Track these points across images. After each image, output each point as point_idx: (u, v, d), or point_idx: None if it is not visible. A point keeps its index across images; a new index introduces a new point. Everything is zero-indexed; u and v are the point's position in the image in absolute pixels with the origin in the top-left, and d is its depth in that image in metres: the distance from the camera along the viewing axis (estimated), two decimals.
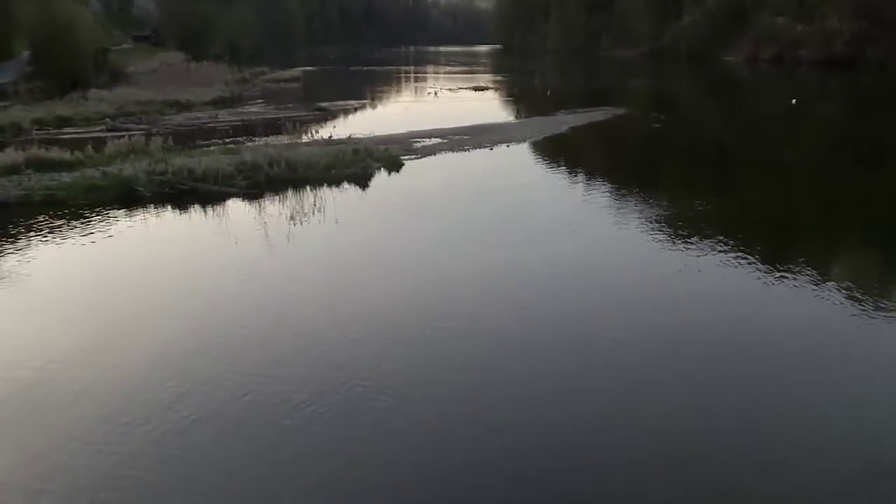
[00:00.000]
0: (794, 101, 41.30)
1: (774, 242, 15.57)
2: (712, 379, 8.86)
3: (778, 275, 12.59)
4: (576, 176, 22.87)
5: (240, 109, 39.23)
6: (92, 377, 8.99)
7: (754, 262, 13.31)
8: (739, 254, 13.82)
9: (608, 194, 19.70)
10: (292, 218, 16.87)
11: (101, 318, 11.05)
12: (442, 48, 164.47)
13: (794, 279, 12.32)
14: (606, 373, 9.09)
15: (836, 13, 76.98)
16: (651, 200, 18.58)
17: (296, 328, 10.43)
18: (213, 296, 12.05)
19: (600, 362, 9.41)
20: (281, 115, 33.91)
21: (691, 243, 14.65)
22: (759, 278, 12.51)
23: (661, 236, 15.35)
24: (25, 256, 14.20)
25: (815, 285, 12.03)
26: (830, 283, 12.09)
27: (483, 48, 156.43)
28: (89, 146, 23.17)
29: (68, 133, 29.42)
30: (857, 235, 16.31)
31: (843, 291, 11.53)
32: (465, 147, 26.28)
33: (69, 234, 15.86)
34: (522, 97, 49.96)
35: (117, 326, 10.69)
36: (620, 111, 37.75)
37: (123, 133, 27.39)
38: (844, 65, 70.20)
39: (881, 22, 71.83)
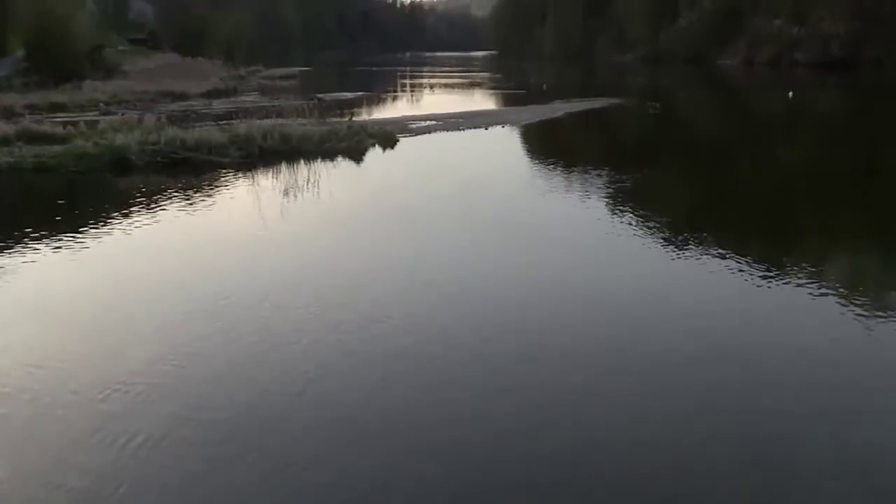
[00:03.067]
0: (790, 93, 41.35)
1: (746, 214, 15.44)
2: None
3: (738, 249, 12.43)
4: (567, 147, 22.86)
5: (234, 99, 39.06)
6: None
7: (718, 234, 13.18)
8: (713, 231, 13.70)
9: (593, 160, 19.59)
10: (285, 189, 16.52)
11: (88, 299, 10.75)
12: (438, 53, 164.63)
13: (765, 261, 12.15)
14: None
15: (832, 15, 77.15)
16: (634, 167, 18.48)
17: (284, 297, 9.56)
18: (199, 265, 11.15)
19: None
20: (276, 104, 33.71)
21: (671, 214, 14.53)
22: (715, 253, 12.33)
23: (634, 203, 15.23)
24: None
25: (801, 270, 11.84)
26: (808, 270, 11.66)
27: (479, 53, 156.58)
28: (82, 123, 22.98)
29: (61, 117, 29.22)
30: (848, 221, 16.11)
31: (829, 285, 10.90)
32: (461, 128, 26.18)
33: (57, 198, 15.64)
34: (518, 91, 49.83)
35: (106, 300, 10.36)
36: (616, 101, 37.68)
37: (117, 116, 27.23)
38: (841, 66, 70.28)
39: (876, 23, 71.99)
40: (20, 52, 49.24)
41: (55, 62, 44.64)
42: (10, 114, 29.25)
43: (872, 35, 72.72)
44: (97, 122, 24.91)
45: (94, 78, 46.13)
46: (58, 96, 34.14)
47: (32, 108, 30.60)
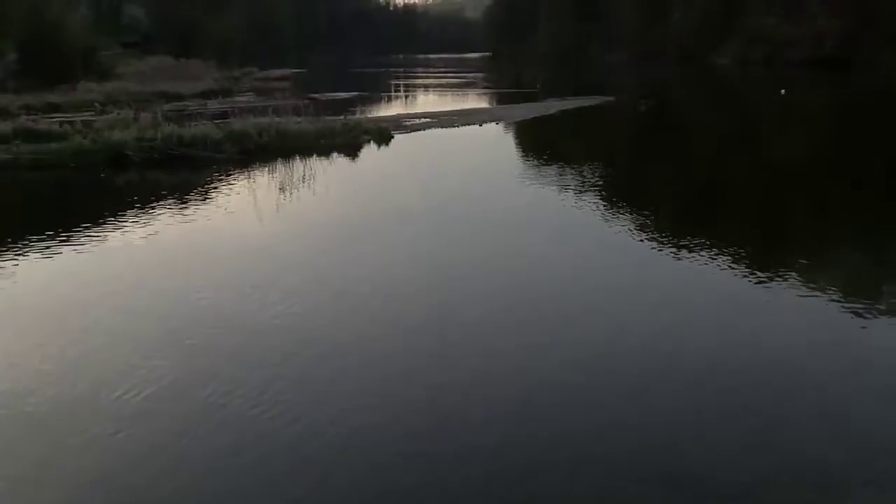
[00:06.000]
0: (783, 91, 41.54)
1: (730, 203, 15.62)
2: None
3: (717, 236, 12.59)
4: (559, 143, 23.03)
5: (229, 100, 39.06)
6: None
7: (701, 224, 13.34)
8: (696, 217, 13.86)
9: (585, 155, 19.79)
10: (282, 185, 16.62)
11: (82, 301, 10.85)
12: (432, 55, 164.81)
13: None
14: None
15: (825, 13, 77.45)
16: (624, 162, 18.65)
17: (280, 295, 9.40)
18: (195, 264, 10.98)
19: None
20: (271, 103, 33.74)
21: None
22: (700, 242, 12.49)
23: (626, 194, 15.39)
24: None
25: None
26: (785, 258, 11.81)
27: (473, 55, 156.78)
28: (78, 122, 23.07)
29: (57, 117, 29.25)
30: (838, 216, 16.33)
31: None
32: (455, 124, 26.35)
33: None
34: (512, 90, 49.99)
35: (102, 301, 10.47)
36: (609, 99, 37.88)
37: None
38: (835, 65, 70.50)
39: (870, 21, 72.29)
40: (13, 55, 49.26)
41: (49, 65, 44.70)
42: (5, 114, 29.29)
43: (866, 34, 73.00)
44: (93, 120, 24.99)
45: (88, 80, 46.17)
46: (53, 97, 34.22)
47: (28, 109, 30.62)
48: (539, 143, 24.23)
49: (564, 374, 6.93)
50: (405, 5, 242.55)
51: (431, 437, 5.95)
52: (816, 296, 8.88)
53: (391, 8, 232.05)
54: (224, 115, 26.92)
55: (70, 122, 23.29)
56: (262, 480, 5.33)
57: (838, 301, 8.67)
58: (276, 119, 24.55)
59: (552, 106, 33.42)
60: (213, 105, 34.81)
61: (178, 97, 38.94)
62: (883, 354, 7.29)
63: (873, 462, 5.50)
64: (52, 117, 28.78)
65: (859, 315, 8.23)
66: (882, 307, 8.67)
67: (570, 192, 15.48)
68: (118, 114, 24.80)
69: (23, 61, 47.66)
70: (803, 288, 9.15)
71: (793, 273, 9.76)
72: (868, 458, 5.55)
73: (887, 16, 71.76)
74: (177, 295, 9.30)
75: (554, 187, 16.09)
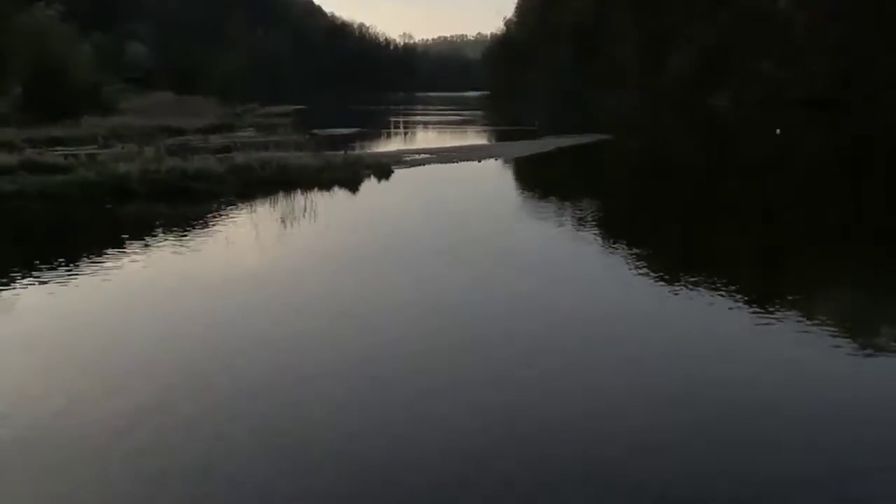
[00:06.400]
0: (778, 131, 42.07)
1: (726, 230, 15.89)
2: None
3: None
4: (555, 179, 23.36)
5: (230, 135, 39.52)
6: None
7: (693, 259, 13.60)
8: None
9: (580, 191, 20.11)
10: (282, 219, 16.82)
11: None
12: (431, 93, 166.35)
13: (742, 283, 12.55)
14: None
15: (820, 55, 78.43)
16: (617, 198, 18.94)
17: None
18: (198, 297, 11.05)
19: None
20: (272, 139, 34.15)
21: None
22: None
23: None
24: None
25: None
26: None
27: (472, 94, 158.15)
28: (82, 155, 23.41)
29: (60, 150, 29.59)
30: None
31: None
32: (454, 160, 26.72)
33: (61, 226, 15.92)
34: (510, 128, 50.57)
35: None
36: (605, 137, 38.33)
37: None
38: (830, 105, 71.19)
39: (865, 62, 73.20)
40: (18, 90, 49.84)
41: (53, 100, 45.23)
42: (11, 147, 29.63)
43: (861, 74, 73.85)
44: (97, 154, 25.35)
45: (91, 115, 46.67)
46: (56, 131, 34.60)
47: (31, 143, 30.97)
48: (536, 179, 24.63)
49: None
50: (405, 45, 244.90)
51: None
52: (808, 330, 9.12)
53: (391, 47, 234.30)
54: (226, 149, 27.31)
55: (74, 156, 23.63)
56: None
57: (832, 335, 8.89)
58: (278, 153, 24.94)
59: (549, 143, 33.87)
60: (216, 140, 35.25)
61: (181, 132, 39.36)
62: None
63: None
64: (57, 150, 29.14)
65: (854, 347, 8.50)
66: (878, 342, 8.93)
67: (567, 227, 15.80)
68: (122, 147, 25.18)
69: (27, 96, 48.26)
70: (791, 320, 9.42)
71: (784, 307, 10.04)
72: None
73: (881, 58, 72.68)
74: (179, 320, 9.57)
75: (551, 222, 16.40)
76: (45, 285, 11.15)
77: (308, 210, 17.36)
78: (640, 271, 11.96)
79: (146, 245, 14.12)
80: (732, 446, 6.26)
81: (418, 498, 5.57)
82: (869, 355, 8.35)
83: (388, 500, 5.53)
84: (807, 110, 70.63)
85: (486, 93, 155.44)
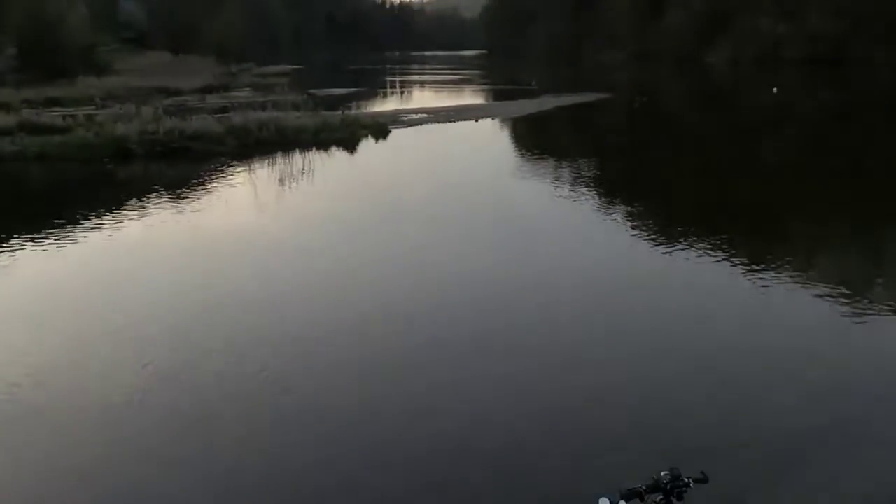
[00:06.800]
0: (775, 90, 41.92)
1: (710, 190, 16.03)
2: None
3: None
4: (554, 137, 23.43)
5: (227, 95, 39.44)
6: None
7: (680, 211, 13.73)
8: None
9: (579, 149, 20.20)
10: (280, 178, 16.99)
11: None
12: (427, 53, 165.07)
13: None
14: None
15: (818, 13, 77.88)
16: (616, 155, 19.04)
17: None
18: (197, 257, 11.14)
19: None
20: (270, 99, 34.07)
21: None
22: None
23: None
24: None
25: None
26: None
27: (469, 53, 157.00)
28: (80, 115, 23.43)
29: (58, 111, 29.57)
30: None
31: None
32: (451, 120, 26.76)
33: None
34: (508, 87, 50.42)
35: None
36: (604, 95, 38.27)
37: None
38: (827, 63, 70.88)
39: (863, 21, 72.76)
40: (11, 51, 49.53)
41: (47, 60, 44.99)
42: (8, 108, 29.59)
43: (859, 33, 73.46)
44: (95, 115, 25.34)
45: (87, 75, 46.48)
46: (53, 91, 34.51)
47: (28, 103, 30.91)
48: (534, 138, 24.69)
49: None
50: (401, 4, 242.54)
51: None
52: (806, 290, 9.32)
53: (387, 6, 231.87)
54: (224, 109, 27.31)
55: (72, 116, 23.64)
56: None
57: (829, 296, 9.07)
58: (276, 114, 24.97)
59: (547, 102, 33.84)
60: (213, 100, 35.20)
61: (177, 92, 39.29)
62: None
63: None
64: (53, 111, 29.12)
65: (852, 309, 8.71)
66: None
67: (565, 186, 15.93)
68: (120, 108, 25.19)
69: (21, 56, 47.94)
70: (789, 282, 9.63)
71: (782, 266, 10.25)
72: None
73: (880, 16, 72.23)
74: (175, 283, 9.74)
75: (547, 180, 16.54)
76: (46, 245, 11.33)
77: (307, 170, 17.53)
78: (657, 231, 12.12)
79: (145, 205, 14.28)
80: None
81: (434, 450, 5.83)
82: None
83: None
84: (804, 69, 70.32)
85: (483, 52, 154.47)
